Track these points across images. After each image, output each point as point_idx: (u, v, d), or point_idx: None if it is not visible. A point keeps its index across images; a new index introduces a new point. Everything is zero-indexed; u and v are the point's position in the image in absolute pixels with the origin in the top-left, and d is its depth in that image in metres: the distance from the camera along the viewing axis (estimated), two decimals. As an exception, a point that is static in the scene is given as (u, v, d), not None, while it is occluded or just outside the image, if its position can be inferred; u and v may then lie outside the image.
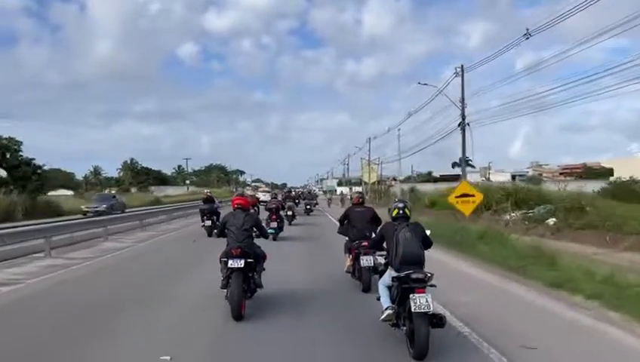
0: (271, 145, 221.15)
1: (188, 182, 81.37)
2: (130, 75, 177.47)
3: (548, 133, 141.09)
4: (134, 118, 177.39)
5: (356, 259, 8.41)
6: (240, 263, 6.56)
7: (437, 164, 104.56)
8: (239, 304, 6.44)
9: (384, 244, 5.91)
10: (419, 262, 5.34)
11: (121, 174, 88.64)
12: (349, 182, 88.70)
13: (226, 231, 7.03)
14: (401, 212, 5.79)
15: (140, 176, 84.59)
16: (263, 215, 15.36)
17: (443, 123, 58.95)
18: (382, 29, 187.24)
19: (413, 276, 5.12)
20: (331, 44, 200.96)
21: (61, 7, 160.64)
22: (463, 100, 26.83)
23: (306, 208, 30.80)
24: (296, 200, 31.57)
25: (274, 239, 14.84)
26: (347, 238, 9.07)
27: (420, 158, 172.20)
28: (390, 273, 5.52)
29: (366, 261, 8.00)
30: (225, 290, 6.67)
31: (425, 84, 33.51)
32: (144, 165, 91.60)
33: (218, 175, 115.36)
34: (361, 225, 8.70)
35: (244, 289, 6.63)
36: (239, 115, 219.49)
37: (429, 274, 5.17)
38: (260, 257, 7.15)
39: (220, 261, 6.93)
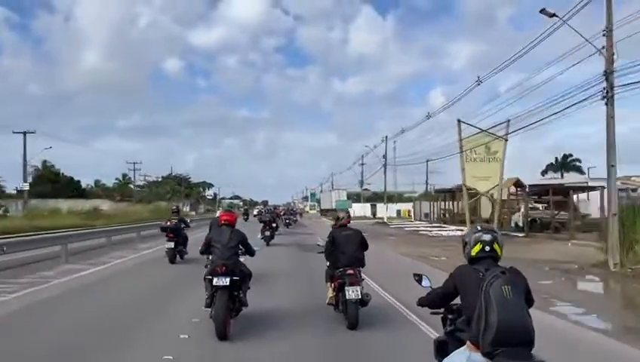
0: (255, 162, 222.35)
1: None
2: (114, 89, 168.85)
3: (532, 154, 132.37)
4: (117, 133, 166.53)
5: (340, 290, 7.21)
6: (225, 281, 6.56)
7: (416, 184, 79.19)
8: (224, 323, 6.41)
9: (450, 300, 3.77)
10: (527, 341, 2.93)
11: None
12: (369, 198, 59.37)
13: (211, 248, 7.04)
14: (487, 248, 3.43)
15: (39, 186, 58.01)
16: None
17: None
18: (369, 48, 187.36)
19: None
20: (318, 62, 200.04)
21: (45, 18, 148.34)
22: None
23: (286, 222, 36.39)
24: (279, 216, 34.56)
25: (267, 245, 19.99)
26: (328, 264, 7.70)
27: (403, 177, 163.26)
28: (470, 355, 3.08)
29: (352, 292, 6.94)
30: (209, 309, 6.65)
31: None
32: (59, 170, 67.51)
33: (172, 186, 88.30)
34: (351, 251, 7.37)
35: (229, 307, 6.62)
36: (224, 132, 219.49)
37: None
38: (245, 275, 7.09)
39: (205, 279, 7.00)
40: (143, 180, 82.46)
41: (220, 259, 6.70)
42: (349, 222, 7.95)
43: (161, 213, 53.43)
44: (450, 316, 3.81)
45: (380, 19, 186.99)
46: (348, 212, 8.57)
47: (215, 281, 6.54)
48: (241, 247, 7.14)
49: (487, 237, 3.43)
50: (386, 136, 51.79)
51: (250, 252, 7.46)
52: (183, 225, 15.10)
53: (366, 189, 69.30)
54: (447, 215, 43.39)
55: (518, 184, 32.36)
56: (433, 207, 47.08)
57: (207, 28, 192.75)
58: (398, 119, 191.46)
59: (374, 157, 55.83)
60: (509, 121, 25.95)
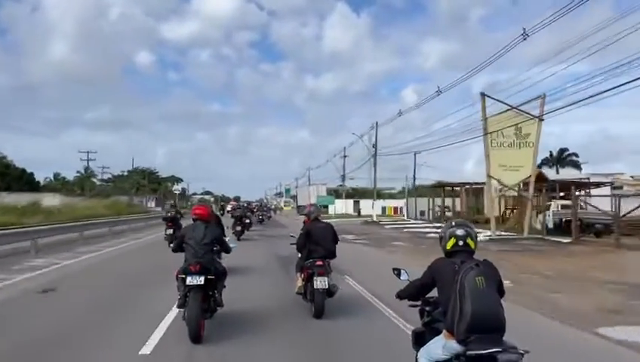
0: (227, 157, 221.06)
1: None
2: (83, 81, 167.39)
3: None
4: (85, 126, 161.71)
5: (309, 280, 7.50)
6: (199, 280, 6.12)
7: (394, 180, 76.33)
8: (197, 325, 5.98)
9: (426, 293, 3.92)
10: (499, 328, 3.16)
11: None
12: (348, 194, 54.20)
13: (184, 245, 6.59)
14: (461, 243, 3.57)
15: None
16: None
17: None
18: (343, 45, 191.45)
19: (503, 358, 2.97)
20: (292, 58, 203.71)
21: (11, 7, 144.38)
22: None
23: (259, 218, 36.96)
24: (252, 212, 36.67)
25: (238, 239, 19.92)
26: (300, 256, 8.02)
27: (379, 172, 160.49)
28: (445, 343, 3.28)
29: (320, 282, 7.25)
30: (182, 310, 6.23)
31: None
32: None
33: (138, 181, 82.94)
34: (326, 244, 7.71)
35: (203, 308, 6.21)
36: (196, 127, 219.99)
37: (521, 352, 3.03)
38: (221, 274, 6.78)
39: (177, 278, 6.42)
40: (102, 173, 75.97)
41: (194, 257, 6.35)
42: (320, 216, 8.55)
43: (118, 208, 46.51)
44: (427, 308, 3.91)
45: (354, 16, 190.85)
46: (318, 207, 9.18)
47: (189, 280, 6.15)
48: (216, 244, 6.90)
49: (460, 231, 3.59)
50: (377, 123, 46.62)
51: (226, 249, 7.31)
52: (179, 216, 19.84)
53: (342, 185, 64.26)
54: (445, 213, 38.47)
55: (540, 177, 27.48)
56: (430, 204, 42.06)
57: (180, 21, 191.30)
58: (371, 116, 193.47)
59: (353, 152, 50.60)
60: (544, 95, 20.83)
